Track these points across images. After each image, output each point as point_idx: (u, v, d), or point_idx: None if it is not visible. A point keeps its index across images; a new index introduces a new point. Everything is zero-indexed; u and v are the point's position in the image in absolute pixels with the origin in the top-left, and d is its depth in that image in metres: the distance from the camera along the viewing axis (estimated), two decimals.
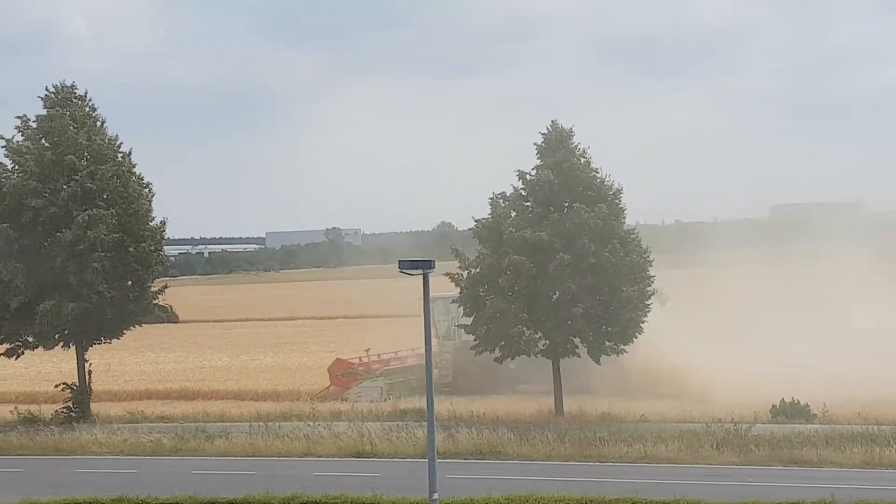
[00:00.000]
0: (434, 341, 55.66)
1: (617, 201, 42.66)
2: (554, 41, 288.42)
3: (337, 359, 56.73)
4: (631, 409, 42.40)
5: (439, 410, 34.02)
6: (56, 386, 48.55)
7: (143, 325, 49.30)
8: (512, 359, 42.98)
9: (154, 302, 47.69)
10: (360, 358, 56.05)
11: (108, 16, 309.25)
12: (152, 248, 46.05)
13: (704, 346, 50.62)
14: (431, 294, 61.02)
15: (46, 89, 46.07)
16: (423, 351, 59.47)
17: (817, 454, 34.62)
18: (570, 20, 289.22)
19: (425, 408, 25.63)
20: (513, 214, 42.89)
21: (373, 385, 53.33)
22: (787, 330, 55.14)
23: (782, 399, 41.82)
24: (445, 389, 52.46)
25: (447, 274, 42.02)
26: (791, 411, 41.28)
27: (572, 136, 42.87)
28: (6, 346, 46.68)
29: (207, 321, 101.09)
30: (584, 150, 42.92)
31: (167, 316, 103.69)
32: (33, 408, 47.49)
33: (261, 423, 42.12)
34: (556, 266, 40.80)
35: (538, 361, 45.80)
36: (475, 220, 43.06)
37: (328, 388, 54.56)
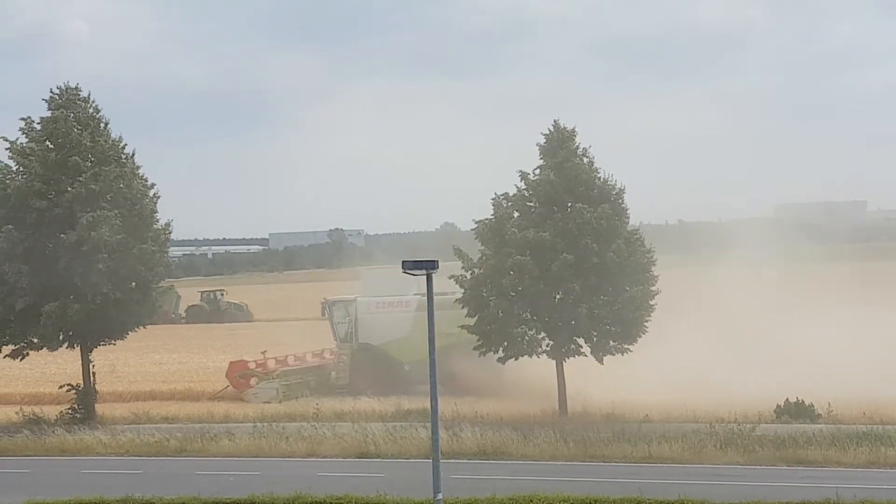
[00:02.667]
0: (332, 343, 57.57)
1: (620, 201, 42.69)
2: (554, 42, 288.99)
3: (233, 361, 57.55)
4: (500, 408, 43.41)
5: (443, 411, 34.06)
6: (61, 387, 48.63)
7: (148, 325, 49.42)
8: (504, 361, 42.90)
9: (157, 304, 47.80)
10: (256, 360, 57.06)
11: (110, 18, 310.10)
12: (156, 249, 46.16)
13: (705, 346, 50.69)
14: (332, 297, 61.50)
15: (51, 91, 46.21)
16: (321, 351, 60.47)
17: (822, 454, 34.60)
18: (569, 21, 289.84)
19: (428, 408, 25.60)
20: (515, 215, 42.93)
21: (269, 386, 54.43)
22: (792, 329, 55.14)
23: (787, 399, 41.78)
24: (342, 391, 54.15)
25: (452, 276, 42.04)
26: (795, 411, 41.24)
27: (574, 136, 42.92)
28: (11, 347, 46.78)
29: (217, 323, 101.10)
30: (586, 151, 42.98)
31: (242, 314, 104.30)
32: (38, 409, 47.56)
33: (265, 424, 42.23)
34: (559, 266, 40.82)
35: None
36: (477, 221, 43.11)
37: (226, 388, 55.61)
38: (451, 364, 47.96)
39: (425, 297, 58.64)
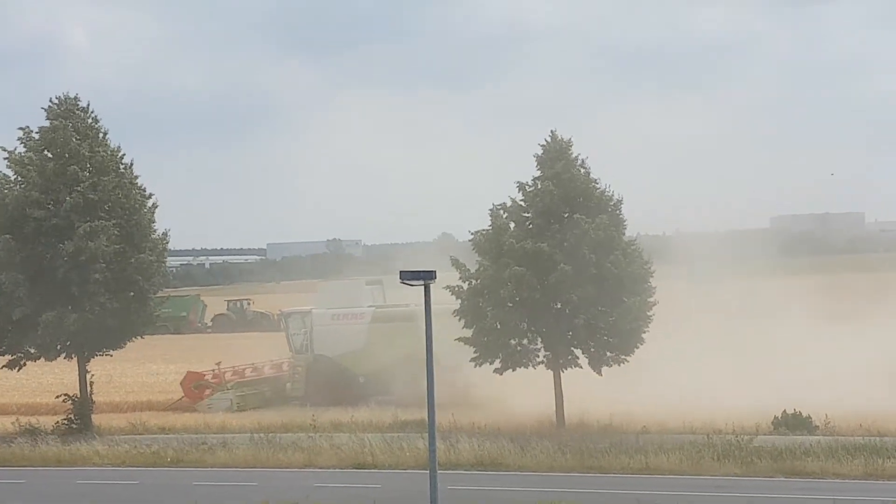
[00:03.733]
0: (289, 354, 58.25)
1: (617, 212, 42.71)
2: (552, 51, 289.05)
3: (189, 371, 57.93)
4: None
5: (439, 421, 34.02)
6: (57, 397, 48.58)
7: (145, 335, 49.31)
8: (493, 365, 43.04)
9: (156, 313, 47.78)
10: (212, 370, 57.56)
11: (109, 27, 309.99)
12: (154, 259, 46.15)
13: (702, 357, 50.69)
14: (288, 309, 62.26)
15: (50, 101, 46.26)
16: (279, 363, 61.67)
17: (819, 465, 34.57)
18: (568, 30, 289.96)
19: (425, 419, 25.57)
20: (513, 226, 42.91)
21: (223, 396, 55.20)
22: (789, 341, 55.14)
23: (784, 410, 41.76)
24: (297, 402, 54.89)
25: (448, 287, 42.02)
26: (793, 423, 41.19)
27: (571, 146, 42.96)
28: (8, 357, 46.73)
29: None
30: (583, 161, 43.01)
31: (268, 323, 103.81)
32: (34, 419, 47.49)
33: (261, 435, 42.16)
34: (557, 277, 40.79)
35: (388, 374, 51.52)
36: (474, 232, 43.08)
37: (180, 398, 55.98)
38: (400, 375, 50.52)
39: (380, 309, 60.39)
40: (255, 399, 56.12)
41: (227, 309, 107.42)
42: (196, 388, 56.04)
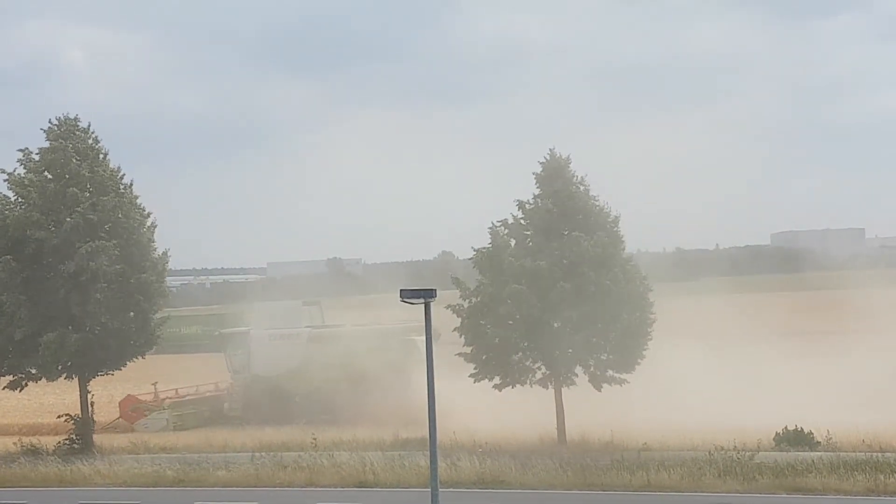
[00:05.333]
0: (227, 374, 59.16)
1: (616, 229, 42.82)
2: (550, 69, 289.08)
3: (128, 395, 58.83)
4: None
5: (440, 439, 34.02)
6: (59, 417, 48.60)
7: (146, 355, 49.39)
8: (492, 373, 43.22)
9: (157, 334, 47.82)
10: (150, 393, 58.71)
11: (108, 49, 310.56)
12: (154, 279, 46.21)
13: (703, 374, 50.71)
14: (226, 329, 63.62)
15: (50, 122, 46.42)
16: (221, 383, 62.53)
17: (821, 482, 34.50)
18: (565, 49, 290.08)
19: (427, 437, 25.55)
20: (512, 243, 43.01)
21: (159, 416, 56.42)
22: (791, 356, 55.19)
23: (786, 426, 41.73)
24: (235, 421, 55.92)
25: (449, 306, 42.08)
26: (794, 439, 41.15)
27: (570, 163, 43.11)
28: (10, 377, 46.75)
29: None
30: (582, 178, 43.16)
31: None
32: (36, 440, 47.50)
33: (263, 453, 42.14)
34: (556, 295, 40.87)
35: (324, 393, 53.40)
36: (475, 250, 43.18)
37: (116, 419, 56.69)
38: (336, 394, 52.66)
39: (316, 330, 61.76)
40: (194, 418, 57.23)
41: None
42: (133, 412, 57.11)
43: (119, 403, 58.01)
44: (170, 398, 59.32)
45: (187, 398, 60.19)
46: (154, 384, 58.91)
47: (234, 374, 59.36)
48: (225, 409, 58.55)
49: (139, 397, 58.31)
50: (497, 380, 42.36)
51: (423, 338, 60.24)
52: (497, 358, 41.93)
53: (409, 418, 48.29)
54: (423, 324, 55.38)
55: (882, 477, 34.32)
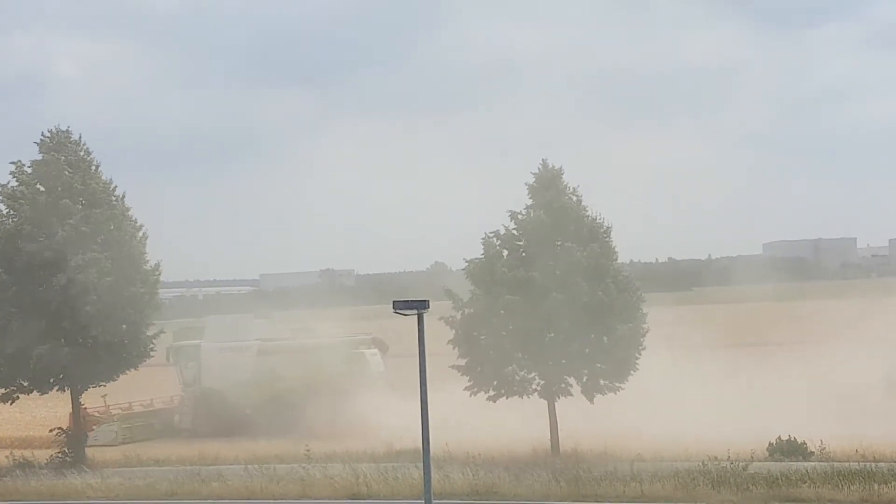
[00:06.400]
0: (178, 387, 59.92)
1: (608, 240, 42.84)
2: (541, 79, 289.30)
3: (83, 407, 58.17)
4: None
5: (432, 451, 33.95)
6: (51, 430, 48.44)
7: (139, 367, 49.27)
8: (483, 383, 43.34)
9: (149, 346, 47.69)
10: (100, 407, 58.33)
11: (99, 60, 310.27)
12: (146, 291, 46.11)
13: (697, 383, 50.74)
14: (177, 343, 64.78)
15: (42, 134, 46.31)
16: (170, 397, 62.88)
17: (815, 492, 34.45)
18: (556, 58, 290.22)
19: (419, 448, 25.50)
20: (505, 254, 42.99)
21: (108, 429, 56.65)
22: (785, 365, 55.23)
23: (779, 437, 41.71)
24: (185, 433, 56.68)
25: (442, 318, 42.08)
26: (788, 449, 41.12)
27: (562, 174, 43.15)
28: (1, 391, 46.59)
29: None
30: (574, 189, 43.19)
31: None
32: (28, 453, 47.32)
33: (256, 466, 42.01)
34: (549, 306, 40.86)
35: (273, 405, 54.30)
36: (467, 261, 43.16)
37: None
38: (285, 406, 53.79)
39: (267, 343, 62.89)
40: (143, 431, 57.59)
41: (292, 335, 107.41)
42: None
43: (69, 416, 57.93)
44: (121, 411, 59.32)
45: (138, 411, 60.46)
46: (104, 396, 58.53)
47: (186, 386, 59.89)
48: (175, 422, 59.17)
49: (90, 411, 58.06)
50: (491, 392, 42.32)
51: (372, 351, 62.31)
52: (491, 369, 41.88)
53: (358, 431, 48.76)
54: (372, 336, 56.53)
55: (876, 486, 34.30)
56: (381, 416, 49.75)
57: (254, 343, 59.08)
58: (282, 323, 65.47)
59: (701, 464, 37.44)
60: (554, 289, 41.06)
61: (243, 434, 52.75)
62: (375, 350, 61.08)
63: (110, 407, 58.76)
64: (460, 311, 42.57)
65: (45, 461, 45.73)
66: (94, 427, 55.82)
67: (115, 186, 46.84)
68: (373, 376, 58.04)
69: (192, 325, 68.64)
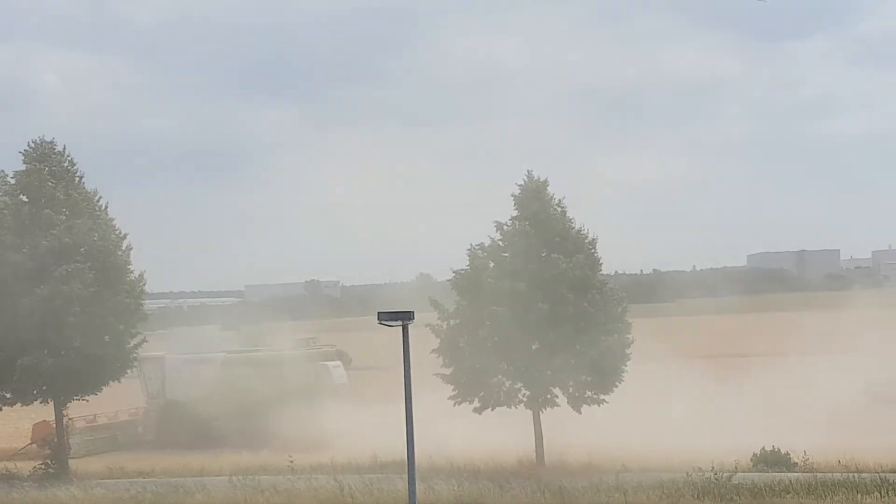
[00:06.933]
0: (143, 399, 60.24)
1: (593, 251, 42.91)
2: (526, 92, 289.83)
3: (41, 420, 57.56)
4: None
5: (417, 462, 33.95)
6: (20, 450, 48.13)
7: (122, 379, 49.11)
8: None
9: (133, 357, 47.49)
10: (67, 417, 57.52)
11: (83, 72, 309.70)
12: (130, 302, 45.97)
13: (682, 394, 50.83)
14: (141, 354, 64.52)
15: (28, 145, 46.17)
16: (136, 408, 62.62)
17: (799, 502, 34.55)
18: (540, 71, 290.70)
19: (405, 459, 25.48)
20: (491, 265, 43.01)
21: (70, 441, 54.87)
22: (767, 377, 55.36)
23: (763, 447, 41.79)
24: (149, 445, 56.83)
25: (428, 325, 42.07)
26: (772, 460, 41.21)
27: (547, 186, 43.24)
28: None
29: None
30: (559, 201, 43.27)
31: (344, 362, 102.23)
32: (11, 465, 47.09)
33: (240, 477, 41.89)
34: (535, 317, 40.88)
35: (238, 417, 54.40)
36: (454, 272, 43.17)
37: (28, 445, 55.87)
38: (250, 417, 54.12)
39: (231, 355, 63.30)
40: (106, 443, 57.27)
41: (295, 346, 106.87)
42: (45, 438, 55.53)
43: (32, 428, 57.65)
44: (85, 423, 59.01)
45: (102, 423, 60.20)
46: (66, 410, 58.41)
47: (150, 398, 59.96)
48: (139, 434, 59.19)
49: (52, 423, 57.76)
50: (477, 403, 42.30)
51: (335, 363, 63.08)
52: (476, 380, 41.86)
53: (323, 442, 48.85)
54: (336, 349, 57.09)
55: (860, 497, 34.41)
56: (343, 425, 50.19)
57: (218, 355, 59.57)
58: (306, 333, 65.93)
59: (685, 474, 37.51)
60: (539, 300, 41.10)
61: (207, 446, 52.81)
62: (338, 362, 62.22)
63: (73, 419, 58.36)
64: (446, 322, 42.57)
65: (28, 473, 45.49)
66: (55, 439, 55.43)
67: (100, 197, 46.76)
68: (335, 387, 58.86)
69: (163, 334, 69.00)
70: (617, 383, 42.34)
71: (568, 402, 42.31)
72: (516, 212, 43.12)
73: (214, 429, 55.75)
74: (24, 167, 45.92)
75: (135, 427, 59.98)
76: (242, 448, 50.31)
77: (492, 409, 42.60)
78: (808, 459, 40.95)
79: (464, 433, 45.45)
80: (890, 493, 34.16)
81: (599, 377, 41.85)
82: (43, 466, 45.91)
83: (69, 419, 57.36)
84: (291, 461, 43.77)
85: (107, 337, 45.76)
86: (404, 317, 23.96)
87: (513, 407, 42.78)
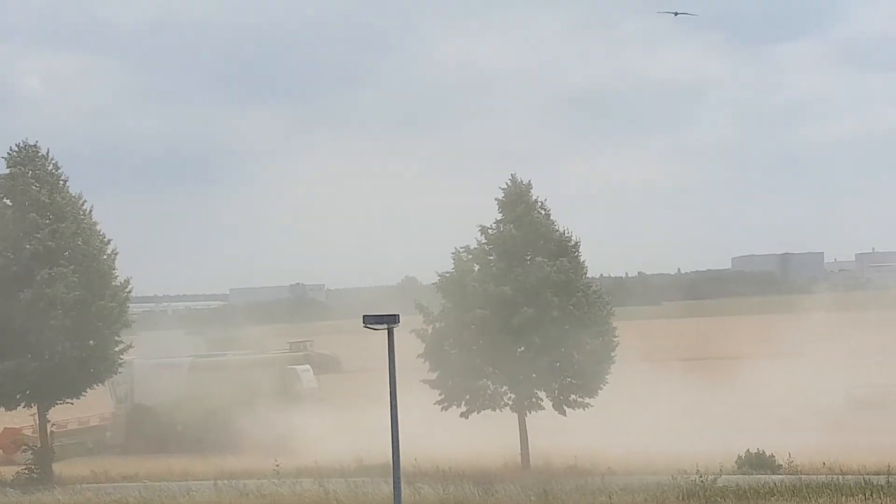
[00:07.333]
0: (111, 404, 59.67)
1: (577, 254, 42.97)
2: (511, 96, 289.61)
3: (6, 427, 57.94)
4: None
5: (402, 465, 33.93)
6: (17, 447, 47.96)
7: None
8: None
9: (118, 361, 47.32)
10: (32, 426, 56.37)
11: (65, 76, 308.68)
12: (115, 306, 45.81)
13: (667, 397, 50.92)
14: None
15: (11, 149, 46.03)
16: (106, 414, 61.73)
17: None
18: (526, 75, 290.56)
19: (390, 462, 25.47)
20: (476, 268, 43.03)
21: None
22: (750, 380, 55.49)
23: (747, 450, 41.87)
24: (117, 450, 56.87)
25: (413, 330, 42.05)
26: (756, 462, 41.28)
27: (531, 189, 43.29)
28: None
29: None
30: (543, 203, 43.33)
31: (331, 364, 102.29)
32: None
33: (225, 481, 41.79)
34: (520, 320, 40.91)
35: (205, 422, 54.62)
36: (439, 275, 43.18)
37: None
38: (217, 422, 54.17)
39: (198, 360, 63.46)
40: (76, 448, 56.80)
41: (290, 350, 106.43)
42: (13, 444, 55.63)
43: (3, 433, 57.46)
44: (55, 429, 58.59)
45: (72, 428, 59.62)
46: (33, 415, 58.14)
47: (118, 403, 59.76)
48: (107, 439, 59.05)
49: (19, 429, 57.48)
50: (464, 406, 42.29)
51: (304, 367, 63.44)
52: (462, 384, 41.85)
53: (290, 446, 48.78)
54: (304, 354, 56.69)
55: (843, 499, 34.48)
56: (311, 429, 50.31)
57: (186, 360, 59.76)
58: (292, 336, 66.18)
59: (670, 477, 37.55)
60: (524, 303, 41.13)
61: (175, 450, 52.95)
62: (307, 366, 62.58)
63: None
64: (431, 326, 42.57)
65: (12, 478, 45.29)
66: (24, 446, 53.02)
67: (84, 201, 46.61)
68: (304, 391, 59.05)
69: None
70: (601, 386, 42.39)
71: (553, 405, 42.35)
72: (501, 215, 43.16)
73: (182, 434, 56.02)
74: (7, 171, 45.77)
75: (103, 432, 59.82)
76: (209, 453, 50.40)
77: (478, 413, 42.62)
78: (792, 462, 41.04)
79: (447, 437, 45.49)
80: (874, 495, 34.25)
81: (583, 380, 41.91)
82: (27, 471, 45.71)
83: (34, 424, 57.08)
84: (277, 465, 43.73)
85: (91, 341, 45.62)
86: (389, 320, 23.94)
87: (498, 410, 42.81)
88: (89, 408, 62.08)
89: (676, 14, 71.52)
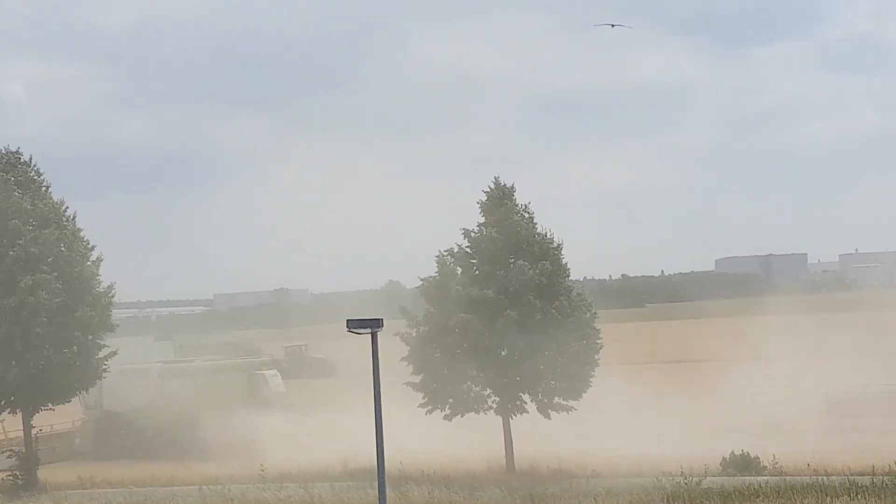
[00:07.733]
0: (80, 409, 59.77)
1: (560, 257, 43.04)
2: (494, 99, 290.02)
3: None
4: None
5: (387, 469, 33.93)
6: (1, 453, 47.80)
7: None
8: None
9: (102, 368, 47.20)
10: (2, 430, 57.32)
11: (48, 80, 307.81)
12: (98, 312, 45.68)
13: (651, 399, 51.00)
14: None
15: None
16: (79, 418, 62.62)
17: None
18: (509, 78, 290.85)
19: (375, 466, 25.44)
20: (459, 272, 43.08)
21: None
22: (735, 382, 55.65)
23: (732, 452, 41.98)
24: (88, 456, 56.87)
25: (397, 334, 42.08)
26: (742, 464, 41.39)
27: (514, 192, 43.37)
28: None
29: None
30: (525, 207, 43.40)
31: (326, 369, 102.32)
32: None
33: (210, 487, 41.71)
34: (503, 323, 40.97)
35: (174, 428, 54.72)
36: (422, 279, 43.24)
37: None
38: (186, 428, 54.57)
39: (167, 365, 63.67)
40: (45, 454, 55.75)
41: (286, 354, 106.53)
42: None
43: None
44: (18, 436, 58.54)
45: (39, 435, 59.63)
46: (1, 421, 57.87)
47: (87, 409, 59.87)
48: (76, 445, 59.08)
49: None
50: (448, 410, 42.34)
51: (272, 372, 63.70)
52: (446, 387, 41.90)
53: (258, 451, 48.90)
54: (272, 358, 57.45)
55: (829, 500, 34.55)
56: (279, 435, 50.46)
57: (155, 365, 60.09)
58: (275, 340, 66.44)
59: (655, 479, 37.61)
60: (507, 306, 41.20)
61: (144, 456, 52.88)
62: (275, 371, 62.87)
63: (8, 431, 57.75)
64: (415, 329, 42.61)
65: None
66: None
67: (67, 207, 46.49)
68: (272, 396, 59.19)
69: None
70: (585, 389, 42.48)
71: (537, 409, 42.42)
72: (483, 218, 43.22)
73: (151, 440, 56.19)
74: None
75: (72, 438, 59.78)
76: (178, 458, 50.45)
77: (461, 416, 42.66)
78: (777, 463, 41.16)
79: (431, 441, 45.53)
80: (859, 495, 34.33)
81: (568, 383, 41.99)
82: (11, 477, 45.57)
83: (3, 431, 56.82)
84: (262, 470, 43.66)
85: (75, 347, 45.50)
86: (373, 324, 23.94)
87: (483, 413, 42.86)
88: (57, 414, 62.05)
89: (613, 26, 73.18)
